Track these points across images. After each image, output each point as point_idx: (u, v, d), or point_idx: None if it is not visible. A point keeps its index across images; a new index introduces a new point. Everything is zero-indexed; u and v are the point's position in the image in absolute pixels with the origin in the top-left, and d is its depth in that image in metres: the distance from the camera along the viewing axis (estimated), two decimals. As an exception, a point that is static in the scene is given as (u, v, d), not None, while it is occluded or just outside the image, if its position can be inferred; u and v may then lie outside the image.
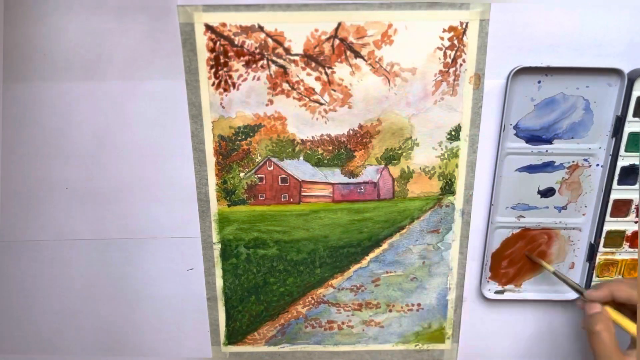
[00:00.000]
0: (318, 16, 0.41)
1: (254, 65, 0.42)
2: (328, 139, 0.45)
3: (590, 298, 0.42)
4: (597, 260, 0.48)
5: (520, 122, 0.44)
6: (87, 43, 0.42)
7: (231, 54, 0.42)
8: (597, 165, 0.45)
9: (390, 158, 0.45)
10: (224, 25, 0.41)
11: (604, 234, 0.47)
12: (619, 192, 0.45)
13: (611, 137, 0.44)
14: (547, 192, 0.46)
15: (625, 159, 0.44)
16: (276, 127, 0.44)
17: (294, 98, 0.43)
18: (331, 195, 0.47)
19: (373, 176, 0.46)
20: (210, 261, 0.48)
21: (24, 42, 0.42)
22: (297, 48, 0.42)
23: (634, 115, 0.43)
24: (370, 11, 0.41)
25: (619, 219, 0.46)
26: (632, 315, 0.40)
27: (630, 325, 0.40)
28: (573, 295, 0.49)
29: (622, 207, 0.46)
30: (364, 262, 0.49)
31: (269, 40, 0.42)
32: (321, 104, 0.44)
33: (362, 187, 0.46)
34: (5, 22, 0.41)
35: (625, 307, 0.41)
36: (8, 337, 0.51)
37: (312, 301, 0.50)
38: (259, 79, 0.43)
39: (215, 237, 0.48)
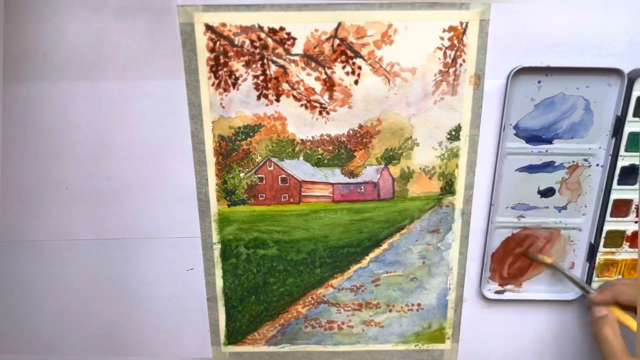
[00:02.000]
0: (318, 16, 0.41)
1: (254, 65, 0.42)
2: (328, 139, 0.45)
3: (595, 302, 0.42)
4: (597, 260, 0.48)
5: (520, 122, 0.44)
6: (87, 43, 0.42)
7: (231, 54, 0.42)
8: (597, 165, 0.45)
9: (390, 158, 0.45)
10: (224, 25, 0.41)
11: (604, 234, 0.47)
12: (619, 192, 0.45)
13: (611, 137, 0.44)
14: (547, 192, 0.46)
15: (625, 159, 0.44)
16: (276, 127, 0.44)
17: (294, 98, 0.43)
18: (331, 195, 0.47)
19: (373, 176, 0.46)
20: (210, 261, 0.48)
21: (24, 42, 0.42)
22: (297, 48, 0.42)
23: (634, 115, 0.43)
24: (370, 11, 0.41)
25: (619, 218, 0.46)
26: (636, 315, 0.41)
27: (634, 325, 0.40)
28: (573, 295, 0.49)
29: (622, 207, 0.46)
30: (364, 262, 0.49)
31: (269, 40, 0.42)
32: (321, 104, 0.44)
33: (362, 187, 0.46)
34: (5, 22, 0.41)
35: (629, 308, 0.42)
36: (8, 337, 0.51)
37: (312, 301, 0.50)
38: (258, 78, 0.43)
39: (215, 237, 0.48)
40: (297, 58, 0.42)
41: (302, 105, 0.44)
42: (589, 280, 0.48)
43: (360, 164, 0.46)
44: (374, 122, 0.44)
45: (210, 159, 0.45)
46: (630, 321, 0.41)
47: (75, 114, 0.44)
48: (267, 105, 0.43)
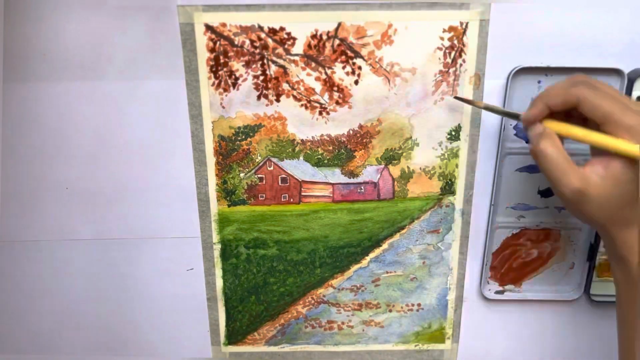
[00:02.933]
0: (318, 16, 0.41)
1: (254, 65, 0.42)
2: (328, 139, 0.45)
3: (527, 119, 0.37)
4: (597, 260, 0.48)
5: (520, 122, 0.44)
6: (87, 43, 0.42)
7: (231, 54, 0.42)
8: (597, 165, 0.45)
9: (390, 158, 0.45)
10: (224, 25, 0.41)
11: (604, 234, 0.47)
12: (619, 192, 0.45)
13: (611, 137, 0.44)
14: (547, 192, 0.46)
15: (626, 159, 0.44)
16: (276, 127, 0.44)
17: (294, 98, 0.43)
18: (331, 195, 0.47)
19: (373, 176, 0.46)
20: (210, 261, 0.48)
21: (24, 42, 0.42)
22: (297, 48, 0.42)
23: (634, 115, 0.43)
24: (370, 11, 0.41)
25: (619, 219, 0.46)
26: (581, 122, 0.35)
27: (578, 132, 0.35)
28: (573, 295, 0.49)
29: (622, 207, 0.46)
30: (364, 262, 0.49)
31: (269, 41, 0.42)
32: (321, 104, 0.44)
33: (362, 187, 0.46)
34: (5, 22, 0.41)
35: (571, 116, 0.36)
36: (8, 337, 0.51)
37: (312, 301, 0.50)
38: (258, 78, 0.43)
39: (215, 237, 0.48)
40: (297, 58, 0.42)
41: (302, 105, 0.44)
42: (589, 281, 0.48)
43: (360, 164, 0.46)
44: (374, 122, 0.44)
45: (210, 159, 0.45)
46: (570, 129, 0.35)
47: (75, 114, 0.44)
48: (267, 105, 0.43)
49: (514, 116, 0.39)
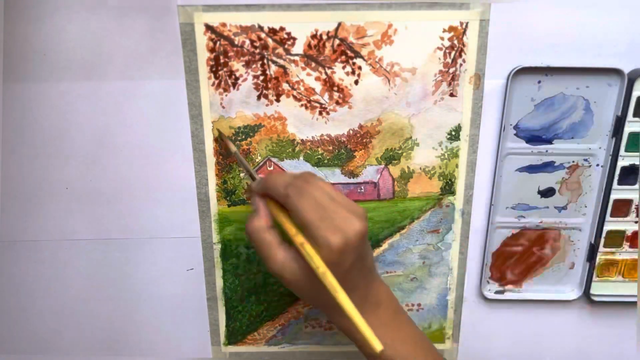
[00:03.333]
0: (318, 16, 0.41)
1: (254, 65, 0.42)
2: (328, 139, 0.45)
3: (251, 189, 0.39)
4: (598, 260, 0.48)
5: (520, 122, 0.44)
6: (87, 43, 0.42)
7: (231, 54, 0.42)
8: (597, 165, 0.45)
9: (390, 158, 0.45)
10: (224, 25, 0.41)
11: (604, 234, 0.47)
12: (619, 192, 0.45)
13: (611, 137, 0.44)
14: (547, 192, 0.46)
15: (626, 159, 0.44)
16: (276, 127, 0.44)
17: (294, 98, 0.43)
18: (331, 195, 0.47)
19: (373, 176, 0.46)
20: (210, 261, 0.48)
21: (24, 42, 0.42)
22: (297, 48, 0.42)
23: (634, 115, 0.43)
24: (370, 11, 0.41)
25: (619, 219, 0.46)
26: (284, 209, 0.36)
27: (285, 221, 0.37)
28: (573, 295, 0.49)
29: (622, 207, 0.46)
30: (364, 262, 0.49)
31: (269, 40, 0.42)
32: (321, 104, 0.44)
33: (362, 187, 0.46)
34: (5, 22, 0.41)
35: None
36: (8, 337, 0.51)
37: (312, 301, 0.50)
38: (258, 78, 0.43)
39: (215, 237, 0.48)
40: (297, 58, 0.42)
41: (302, 105, 0.44)
42: (589, 281, 0.48)
43: (360, 164, 0.46)
44: (374, 122, 0.44)
45: (210, 159, 0.45)
46: (281, 217, 0.37)
47: (75, 114, 0.44)
48: (267, 105, 0.43)
49: (251, 175, 0.42)
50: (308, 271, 0.35)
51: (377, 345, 0.33)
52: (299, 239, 0.35)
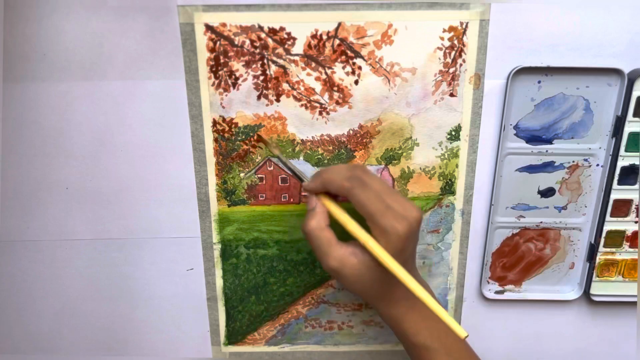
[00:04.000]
0: (318, 16, 0.41)
1: (254, 65, 0.42)
2: (328, 139, 0.45)
3: (306, 189, 0.40)
4: (597, 260, 0.48)
5: (520, 122, 0.44)
6: (87, 43, 0.42)
7: (231, 54, 0.42)
8: (597, 165, 0.45)
9: (390, 158, 0.45)
10: (224, 25, 0.41)
11: (604, 234, 0.47)
12: (619, 192, 0.45)
13: (611, 137, 0.44)
14: (547, 192, 0.46)
15: (626, 159, 0.44)
16: (276, 127, 0.44)
17: (294, 98, 0.43)
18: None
19: (373, 176, 0.46)
20: (210, 261, 0.48)
21: (24, 42, 0.42)
22: (297, 48, 0.42)
23: (634, 115, 0.43)
24: (370, 11, 0.41)
25: (619, 219, 0.46)
26: (350, 211, 0.37)
27: (342, 217, 0.38)
28: (573, 295, 0.49)
29: (622, 207, 0.46)
30: (364, 262, 0.49)
31: (269, 41, 0.42)
32: (321, 104, 0.44)
33: (362, 187, 0.46)
34: (5, 22, 0.41)
35: (340, 198, 0.39)
36: (8, 337, 0.51)
37: (312, 301, 0.50)
38: (258, 78, 0.43)
39: (215, 237, 0.48)
40: (297, 58, 0.42)
41: (302, 105, 0.44)
42: (589, 281, 0.48)
43: (360, 164, 0.46)
44: (374, 122, 0.44)
45: (210, 159, 0.45)
46: (338, 213, 0.38)
47: (75, 114, 0.44)
48: (267, 105, 0.43)
49: (299, 177, 0.42)
50: (368, 265, 0.36)
51: (462, 332, 0.33)
52: (359, 230, 0.36)
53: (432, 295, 0.35)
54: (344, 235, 0.38)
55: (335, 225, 0.39)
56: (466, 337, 0.33)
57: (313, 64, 0.42)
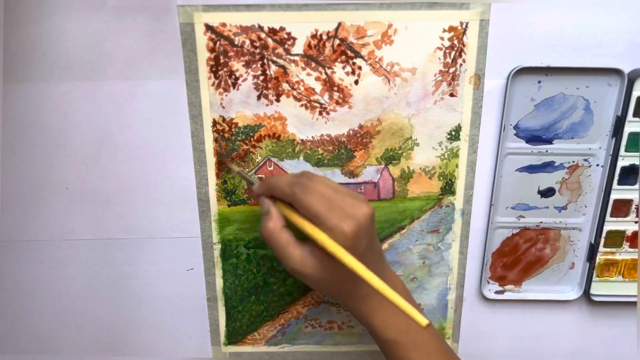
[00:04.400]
0: (318, 16, 0.41)
1: (254, 65, 0.42)
2: (328, 139, 0.45)
3: (255, 193, 0.40)
4: (597, 260, 0.48)
5: (520, 122, 0.44)
6: (87, 43, 0.42)
7: (231, 54, 0.42)
8: (597, 165, 0.45)
9: (390, 158, 0.45)
10: (224, 25, 0.41)
11: (604, 234, 0.47)
12: (619, 192, 0.45)
13: (611, 137, 0.44)
14: (547, 192, 0.46)
15: (626, 159, 0.44)
16: (276, 127, 0.44)
17: (294, 98, 0.43)
18: (331, 195, 0.47)
19: (373, 176, 0.46)
20: (210, 261, 0.48)
21: (24, 42, 0.42)
22: (297, 48, 0.42)
23: (634, 115, 0.43)
24: (370, 11, 0.41)
25: (619, 218, 0.46)
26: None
27: (296, 219, 0.37)
28: (573, 295, 0.49)
29: (622, 207, 0.46)
30: (364, 262, 0.49)
31: (269, 41, 0.42)
32: (321, 104, 0.44)
33: (362, 187, 0.46)
34: (5, 22, 0.41)
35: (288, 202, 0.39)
36: (8, 337, 0.51)
37: (312, 301, 0.50)
38: (258, 78, 0.43)
39: (215, 237, 0.48)
40: (297, 58, 0.42)
41: (302, 105, 0.44)
42: (589, 281, 0.48)
43: (360, 164, 0.46)
44: (374, 122, 0.44)
45: (210, 159, 0.45)
46: (292, 215, 0.37)
47: (75, 114, 0.44)
48: (267, 105, 0.44)
49: (248, 181, 0.42)
50: (327, 262, 0.36)
51: (422, 320, 0.33)
52: (312, 229, 0.36)
53: (399, 289, 0.34)
54: (300, 236, 0.38)
55: (291, 228, 0.38)
56: (427, 325, 0.32)
57: (313, 64, 0.42)
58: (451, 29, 0.41)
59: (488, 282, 0.50)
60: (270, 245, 0.38)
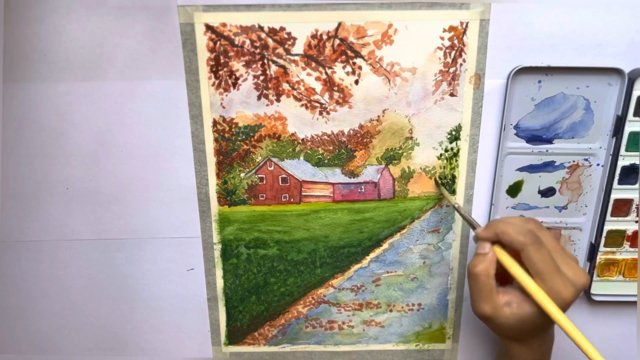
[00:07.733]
0: (318, 16, 0.41)
1: (254, 65, 0.42)
2: (328, 139, 0.45)
3: (478, 237, 0.40)
4: (598, 260, 0.48)
5: (520, 122, 0.44)
6: (87, 43, 0.42)
7: (231, 54, 0.42)
8: (598, 164, 0.45)
9: (390, 158, 0.45)
10: (224, 25, 0.41)
11: (604, 234, 0.47)
12: (619, 192, 0.45)
13: (612, 136, 0.44)
14: (548, 192, 0.46)
15: (626, 159, 0.44)
16: (276, 127, 0.44)
17: (294, 98, 0.43)
18: (331, 195, 0.47)
19: (373, 176, 0.46)
20: (210, 261, 0.48)
21: (24, 42, 0.42)
22: (298, 48, 0.42)
23: (635, 114, 0.43)
24: (370, 11, 0.41)
25: (620, 218, 0.46)
26: (516, 256, 0.38)
27: (515, 269, 0.37)
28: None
29: (622, 207, 0.46)
30: (365, 262, 0.49)
31: (269, 40, 0.42)
32: (321, 104, 0.44)
33: (363, 187, 0.46)
34: (5, 22, 0.41)
35: (511, 249, 0.39)
36: (8, 337, 0.51)
37: (313, 301, 0.50)
38: (259, 78, 0.43)
39: (215, 237, 0.48)
40: (297, 58, 0.42)
41: (302, 105, 0.44)
42: (590, 280, 0.48)
43: (360, 163, 0.46)
44: (374, 121, 0.44)
45: (211, 159, 0.45)
46: (511, 265, 0.38)
47: (75, 114, 0.44)
48: (267, 105, 0.43)
49: (471, 224, 0.41)
50: (520, 317, 0.37)
51: None
52: (535, 287, 0.36)
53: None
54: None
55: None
56: None
57: (313, 64, 0.42)
58: (451, 28, 0.41)
59: (488, 282, 0.49)
60: (472, 284, 0.39)
